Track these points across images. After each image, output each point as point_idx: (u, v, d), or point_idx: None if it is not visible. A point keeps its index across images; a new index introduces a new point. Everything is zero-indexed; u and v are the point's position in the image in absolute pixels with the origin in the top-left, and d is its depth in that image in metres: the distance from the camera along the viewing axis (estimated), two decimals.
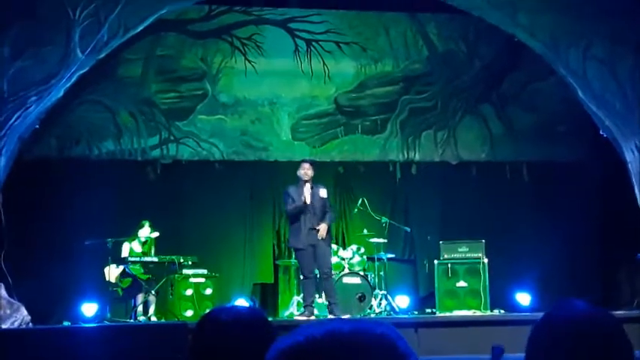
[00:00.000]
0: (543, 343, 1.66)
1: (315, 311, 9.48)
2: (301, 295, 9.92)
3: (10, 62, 9.79)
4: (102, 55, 10.72)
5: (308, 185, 9.29)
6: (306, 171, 9.34)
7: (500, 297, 10.77)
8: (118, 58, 11.83)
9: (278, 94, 12.53)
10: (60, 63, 10.21)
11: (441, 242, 10.89)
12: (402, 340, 1.11)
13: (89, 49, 10.31)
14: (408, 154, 12.72)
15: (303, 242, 9.20)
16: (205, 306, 10.14)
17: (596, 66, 10.74)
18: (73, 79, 10.54)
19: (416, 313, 11.01)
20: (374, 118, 12.74)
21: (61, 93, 10.55)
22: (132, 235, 10.58)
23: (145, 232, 10.60)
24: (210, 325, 1.96)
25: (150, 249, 10.65)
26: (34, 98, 10.10)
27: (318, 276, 9.48)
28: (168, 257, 10.20)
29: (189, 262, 10.38)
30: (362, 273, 10.59)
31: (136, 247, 10.59)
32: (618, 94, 10.66)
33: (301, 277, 9.51)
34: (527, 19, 10.98)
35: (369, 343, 1.07)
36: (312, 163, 9.54)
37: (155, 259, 10.29)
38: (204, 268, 10.75)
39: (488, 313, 9.96)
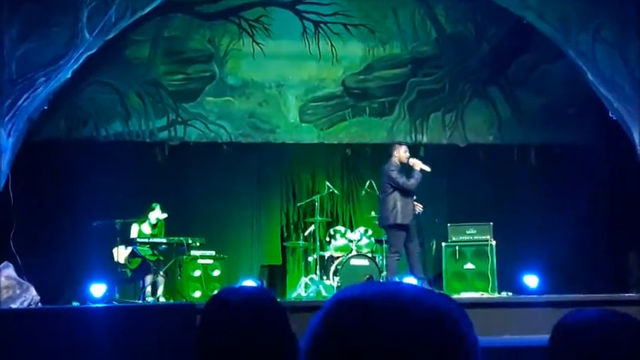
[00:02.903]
0: (563, 353, 1.65)
1: None
2: (383, 273, 10.09)
3: (19, 43, 9.80)
4: (110, 37, 10.72)
5: (412, 160, 9.57)
6: (406, 152, 9.64)
7: (507, 279, 10.76)
8: (126, 39, 11.80)
9: (285, 77, 12.50)
10: (68, 44, 10.21)
11: (448, 225, 10.86)
12: (466, 320, 1.09)
13: (97, 31, 10.31)
14: (415, 136, 12.70)
15: (409, 219, 9.49)
16: (213, 287, 10.19)
17: (606, 49, 10.70)
18: (81, 61, 10.55)
19: None
20: (382, 100, 12.71)
21: (69, 74, 10.57)
22: (142, 217, 10.59)
23: (156, 215, 10.61)
24: (219, 306, 1.97)
25: (160, 232, 10.67)
26: (42, 79, 10.12)
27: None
28: (176, 238, 10.24)
29: (198, 244, 10.42)
30: (370, 255, 10.61)
31: (146, 229, 10.60)
32: (628, 76, 10.61)
33: (393, 254, 9.57)
34: (537, 1, 10.92)
35: (428, 313, 1.06)
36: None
37: (163, 241, 10.32)
38: (212, 250, 10.79)
39: (496, 295, 9.95)
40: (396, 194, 9.41)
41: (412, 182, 9.40)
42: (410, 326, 1.04)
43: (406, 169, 9.52)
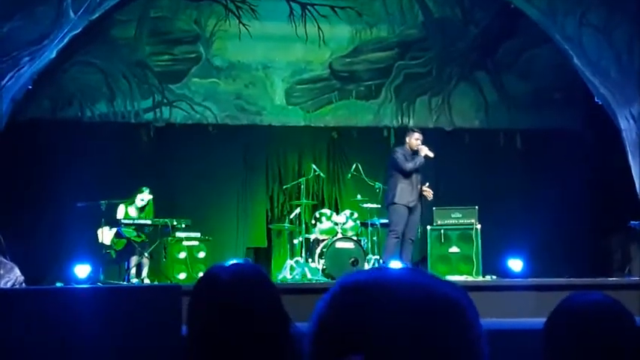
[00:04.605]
0: (559, 334, 1.64)
1: None
2: (379, 255, 10.19)
3: (3, 22, 9.70)
4: (95, 16, 10.63)
5: (421, 146, 9.58)
6: (418, 139, 9.62)
7: (492, 263, 10.80)
8: (111, 19, 11.70)
9: (272, 59, 12.44)
10: (52, 23, 10.12)
11: (434, 208, 10.84)
12: (473, 310, 1.08)
13: (82, 10, 10.22)
14: (402, 119, 12.69)
15: (407, 199, 9.51)
16: (198, 269, 10.17)
17: (592, 33, 10.71)
18: (66, 40, 10.46)
19: None
20: (368, 83, 12.69)
21: (54, 54, 10.48)
22: (129, 199, 10.50)
23: (143, 197, 10.52)
24: (209, 283, 1.95)
25: (149, 214, 10.57)
26: (26, 59, 10.03)
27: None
28: (161, 220, 10.18)
29: (183, 225, 10.38)
30: (355, 238, 10.61)
31: (132, 212, 10.52)
32: (614, 61, 10.64)
33: (391, 232, 9.60)
34: None
35: (435, 301, 1.05)
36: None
37: (149, 222, 10.27)
38: (198, 232, 10.76)
39: (480, 278, 9.98)
40: (399, 175, 9.54)
41: (409, 165, 9.50)
42: (415, 313, 1.04)
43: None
